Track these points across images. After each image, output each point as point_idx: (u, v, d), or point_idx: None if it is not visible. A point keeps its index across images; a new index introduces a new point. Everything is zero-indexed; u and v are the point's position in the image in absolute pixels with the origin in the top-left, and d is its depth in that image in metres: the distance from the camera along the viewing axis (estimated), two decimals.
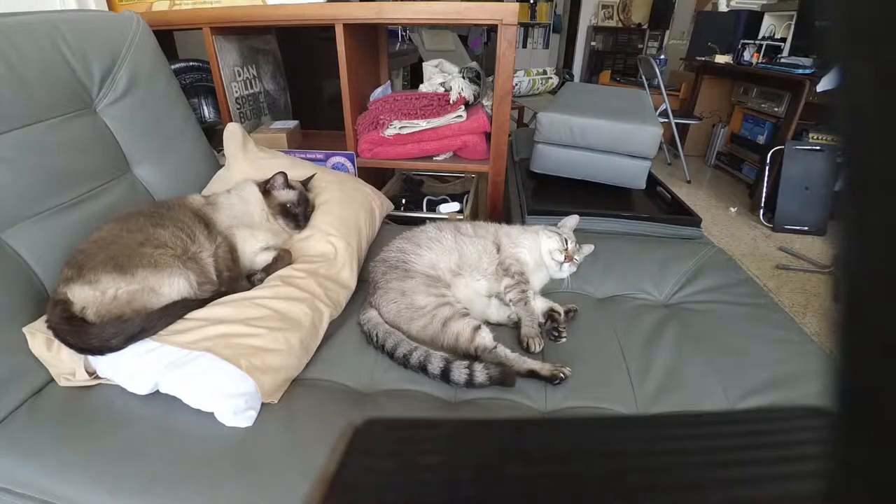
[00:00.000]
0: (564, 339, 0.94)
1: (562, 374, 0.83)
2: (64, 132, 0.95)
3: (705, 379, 0.84)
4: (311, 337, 0.87)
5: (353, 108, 1.51)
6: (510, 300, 1.01)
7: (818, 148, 2.46)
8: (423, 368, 0.83)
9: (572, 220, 1.18)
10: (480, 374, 0.80)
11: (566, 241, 1.09)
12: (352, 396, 0.82)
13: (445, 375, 0.81)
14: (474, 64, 1.70)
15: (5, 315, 0.78)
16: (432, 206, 1.68)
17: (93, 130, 1.03)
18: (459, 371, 0.81)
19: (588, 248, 1.14)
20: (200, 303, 0.84)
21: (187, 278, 0.85)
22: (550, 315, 0.99)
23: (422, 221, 1.42)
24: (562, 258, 1.08)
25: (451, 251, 1.05)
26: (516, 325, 0.98)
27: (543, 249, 1.10)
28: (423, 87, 1.58)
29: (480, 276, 1.05)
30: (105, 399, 0.77)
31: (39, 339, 0.78)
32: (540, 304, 1.01)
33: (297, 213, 1.07)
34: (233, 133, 1.22)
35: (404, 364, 0.85)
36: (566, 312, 1.00)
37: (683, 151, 3.47)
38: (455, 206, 1.65)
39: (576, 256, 1.09)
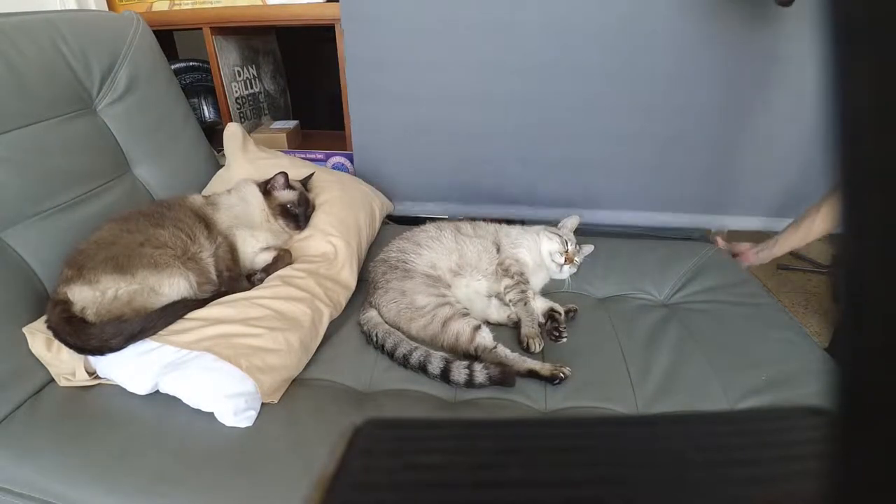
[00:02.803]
0: (565, 339, 0.94)
1: (562, 374, 0.83)
2: (64, 132, 0.95)
3: (705, 379, 0.84)
4: (311, 337, 0.87)
5: None
6: (510, 300, 1.01)
7: None
8: (422, 368, 0.83)
9: (572, 221, 1.18)
10: (480, 374, 0.80)
11: (566, 242, 1.09)
12: (352, 396, 0.82)
13: (445, 375, 0.81)
14: None
15: (5, 315, 0.78)
16: None
17: (93, 130, 1.03)
18: (459, 371, 0.81)
19: (588, 249, 1.14)
20: (200, 303, 0.84)
21: (187, 278, 0.85)
22: (551, 315, 0.99)
23: (422, 221, 1.42)
24: (562, 260, 1.07)
25: (452, 251, 1.05)
26: (516, 325, 0.98)
27: (544, 251, 1.10)
28: None
29: (480, 276, 1.05)
30: (105, 399, 0.77)
31: (39, 339, 0.78)
32: (540, 304, 1.01)
33: (298, 214, 1.07)
34: (233, 133, 1.22)
35: (404, 364, 0.85)
36: (566, 312, 1.00)
37: None
38: None
39: (576, 258, 1.09)
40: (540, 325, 0.97)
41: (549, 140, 1.30)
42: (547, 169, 1.34)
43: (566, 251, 1.08)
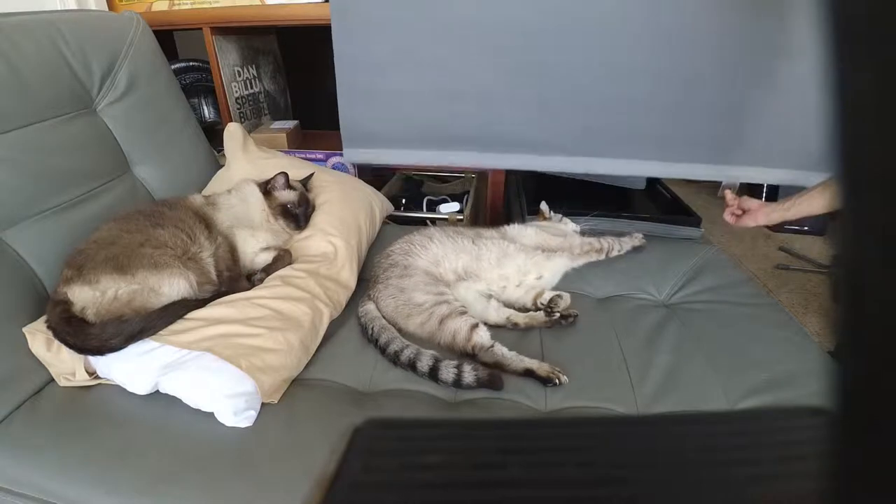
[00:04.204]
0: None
1: (557, 380, 0.82)
2: (64, 132, 0.95)
3: (705, 379, 0.84)
4: (311, 337, 0.87)
5: None
6: (619, 251, 1.16)
7: None
8: (412, 366, 0.84)
9: (544, 205, 1.30)
10: (469, 375, 0.81)
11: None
12: (352, 396, 0.82)
13: (434, 374, 0.82)
14: None
15: (5, 315, 0.78)
16: (432, 206, 1.68)
17: (93, 130, 1.03)
18: (448, 370, 0.81)
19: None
20: (200, 303, 0.84)
21: (187, 278, 0.85)
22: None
23: (422, 221, 1.41)
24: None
25: (461, 251, 1.05)
26: (514, 327, 0.98)
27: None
28: None
29: (486, 279, 1.05)
30: (105, 399, 0.77)
31: (39, 339, 0.78)
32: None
33: (298, 214, 1.07)
34: (233, 133, 1.22)
35: (394, 361, 0.86)
36: (565, 317, 0.99)
37: None
38: (455, 206, 1.65)
39: None
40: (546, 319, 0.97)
41: (556, 109, 1.22)
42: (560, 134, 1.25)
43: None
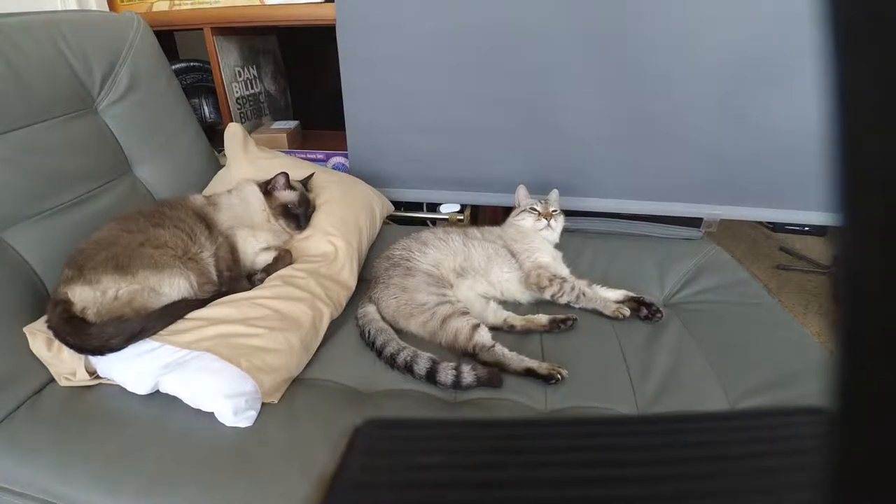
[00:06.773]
0: (661, 317, 0.98)
1: (558, 375, 0.82)
2: (65, 132, 0.95)
3: (705, 379, 0.84)
4: (312, 337, 0.87)
5: None
6: (568, 303, 1.03)
7: None
8: (409, 369, 0.84)
9: (522, 191, 1.23)
10: (468, 375, 0.81)
11: (532, 207, 1.17)
12: (352, 396, 0.82)
13: (431, 376, 0.82)
14: None
15: (5, 315, 0.78)
16: (432, 206, 1.68)
17: (93, 130, 1.03)
18: (446, 372, 0.81)
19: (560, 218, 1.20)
20: (201, 303, 0.84)
21: (188, 278, 0.85)
22: (636, 300, 1.02)
23: (422, 221, 1.42)
24: (542, 223, 1.14)
25: (457, 252, 1.05)
26: (511, 329, 0.97)
27: (530, 230, 1.16)
28: None
29: (484, 280, 1.05)
30: (105, 399, 0.77)
31: (40, 339, 0.78)
32: (612, 295, 1.05)
33: (299, 214, 1.07)
34: (234, 133, 1.22)
35: (391, 364, 0.86)
36: (565, 321, 0.98)
37: None
38: (455, 206, 1.65)
39: (551, 208, 1.17)
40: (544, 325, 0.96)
41: (543, 132, 1.30)
42: (543, 161, 1.35)
43: (538, 213, 1.15)
